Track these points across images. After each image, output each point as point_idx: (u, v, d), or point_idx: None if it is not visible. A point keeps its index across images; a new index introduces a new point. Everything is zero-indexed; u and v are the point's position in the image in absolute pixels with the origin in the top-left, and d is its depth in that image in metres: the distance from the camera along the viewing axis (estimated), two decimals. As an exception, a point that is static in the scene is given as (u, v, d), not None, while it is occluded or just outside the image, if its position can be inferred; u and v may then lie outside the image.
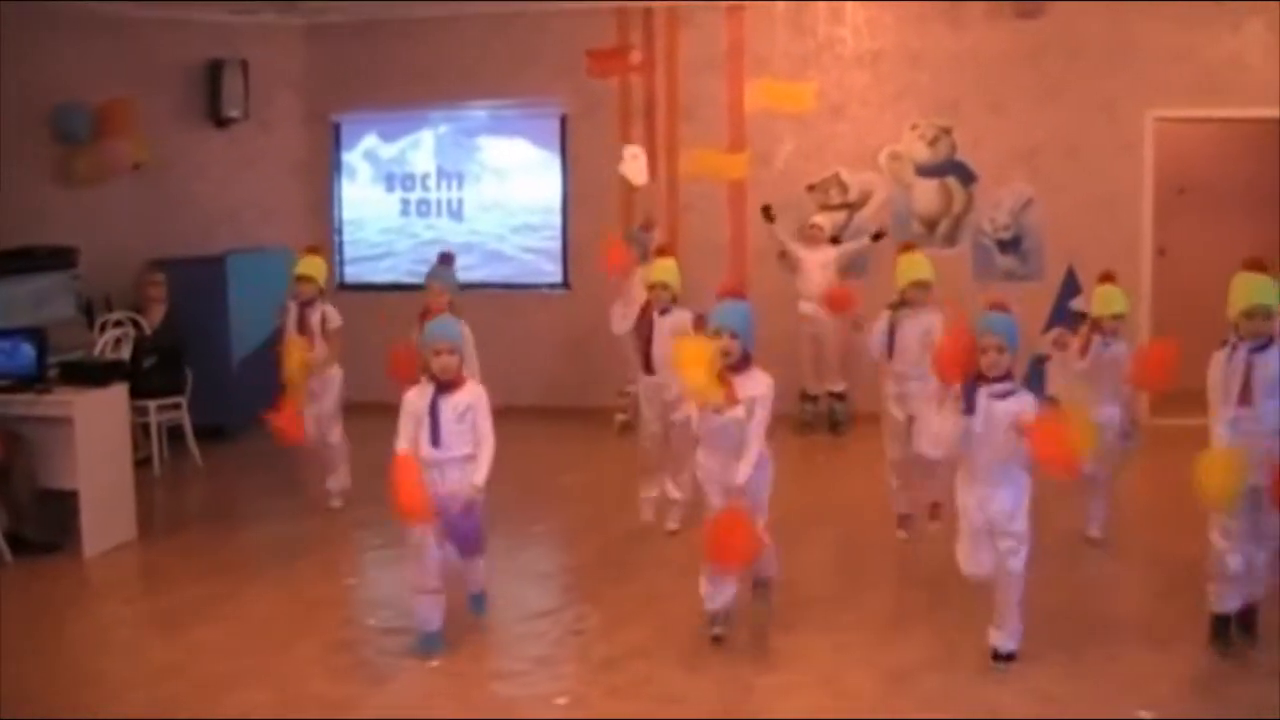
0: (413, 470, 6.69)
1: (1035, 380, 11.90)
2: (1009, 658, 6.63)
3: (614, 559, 8.79)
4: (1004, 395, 6.37)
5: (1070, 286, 12.21)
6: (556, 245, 14.53)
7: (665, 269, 9.04)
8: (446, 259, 9.62)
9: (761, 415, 6.72)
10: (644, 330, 9.09)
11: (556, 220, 14.46)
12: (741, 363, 6.73)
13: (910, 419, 8.59)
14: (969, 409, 6.42)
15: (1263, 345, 6.57)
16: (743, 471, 6.64)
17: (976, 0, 13.34)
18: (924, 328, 8.54)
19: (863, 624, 7.24)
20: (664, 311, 8.91)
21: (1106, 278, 8.77)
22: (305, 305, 9.97)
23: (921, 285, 8.75)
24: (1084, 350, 8.54)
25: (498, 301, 14.05)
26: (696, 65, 13.93)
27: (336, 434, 10.06)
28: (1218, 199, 14.00)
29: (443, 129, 14.84)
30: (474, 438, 6.90)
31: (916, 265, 8.89)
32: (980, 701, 6.26)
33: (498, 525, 9.20)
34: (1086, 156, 13.32)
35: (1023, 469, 6.41)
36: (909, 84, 13.65)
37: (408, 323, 9.37)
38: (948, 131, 13.58)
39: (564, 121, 14.38)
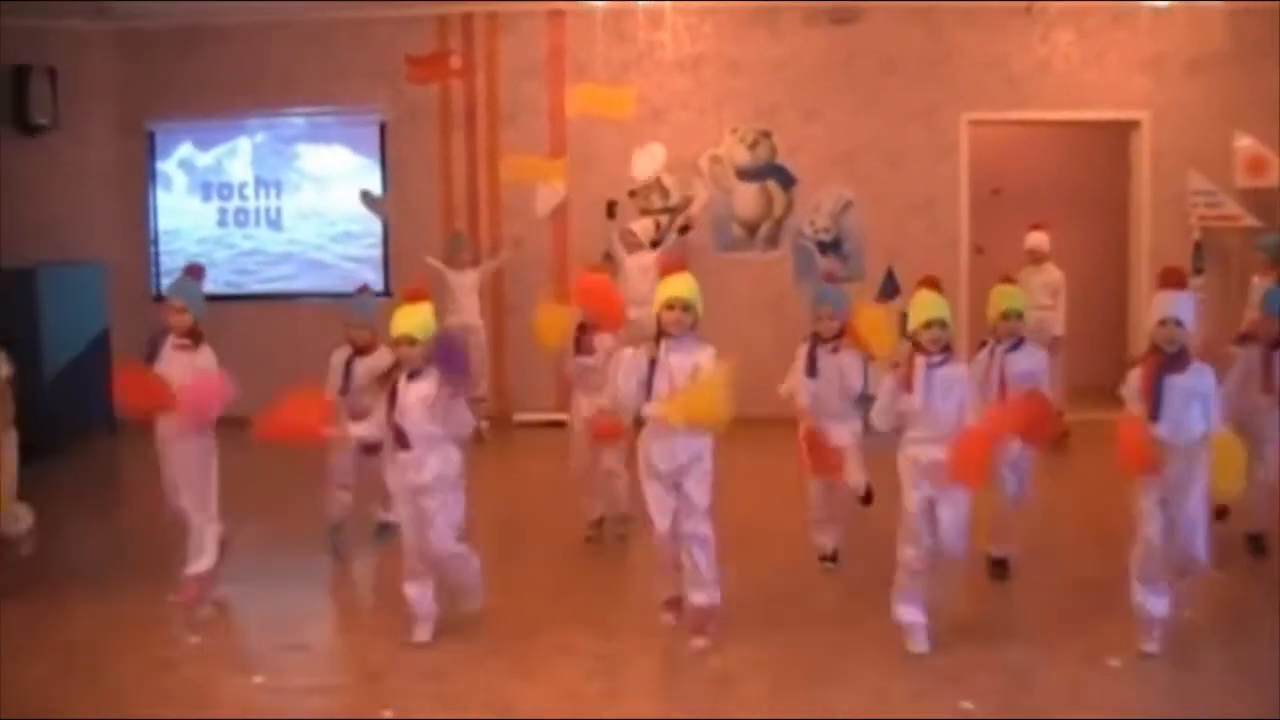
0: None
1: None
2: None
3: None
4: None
5: (890, 286, 12.34)
6: (378, 253, 14.36)
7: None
8: (193, 272, 8.85)
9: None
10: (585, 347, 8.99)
11: (377, 228, 14.27)
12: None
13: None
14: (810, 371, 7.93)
15: (1014, 345, 7.81)
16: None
17: (794, 3, 13.47)
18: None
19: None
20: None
21: (926, 283, 7.20)
22: None
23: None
24: (906, 379, 6.79)
25: (318, 312, 13.84)
26: (517, 71, 13.91)
27: None
28: (1031, 198, 14.32)
29: (260, 137, 14.60)
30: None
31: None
32: (812, 701, 6.26)
33: (316, 539, 9.12)
34: (904, 159, 13.58)
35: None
36: (729, 89, 13.76)
37: (227, 333, 9.11)
38: (767, 135, 13.71)
39: (383, 128, 14.22)
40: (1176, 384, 6.42)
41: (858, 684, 6.42)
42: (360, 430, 7.23)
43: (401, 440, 6.84)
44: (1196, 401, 6.43)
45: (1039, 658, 6.71)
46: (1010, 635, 7.08)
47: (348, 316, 9.02)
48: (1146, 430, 6.41)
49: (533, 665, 6.77)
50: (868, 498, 8.45)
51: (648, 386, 6.69)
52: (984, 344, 8.09)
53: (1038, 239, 12.00)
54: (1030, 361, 7.87)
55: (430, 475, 6.85)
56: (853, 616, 7.33)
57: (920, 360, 6.69)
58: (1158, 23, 13.05)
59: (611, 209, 13.11)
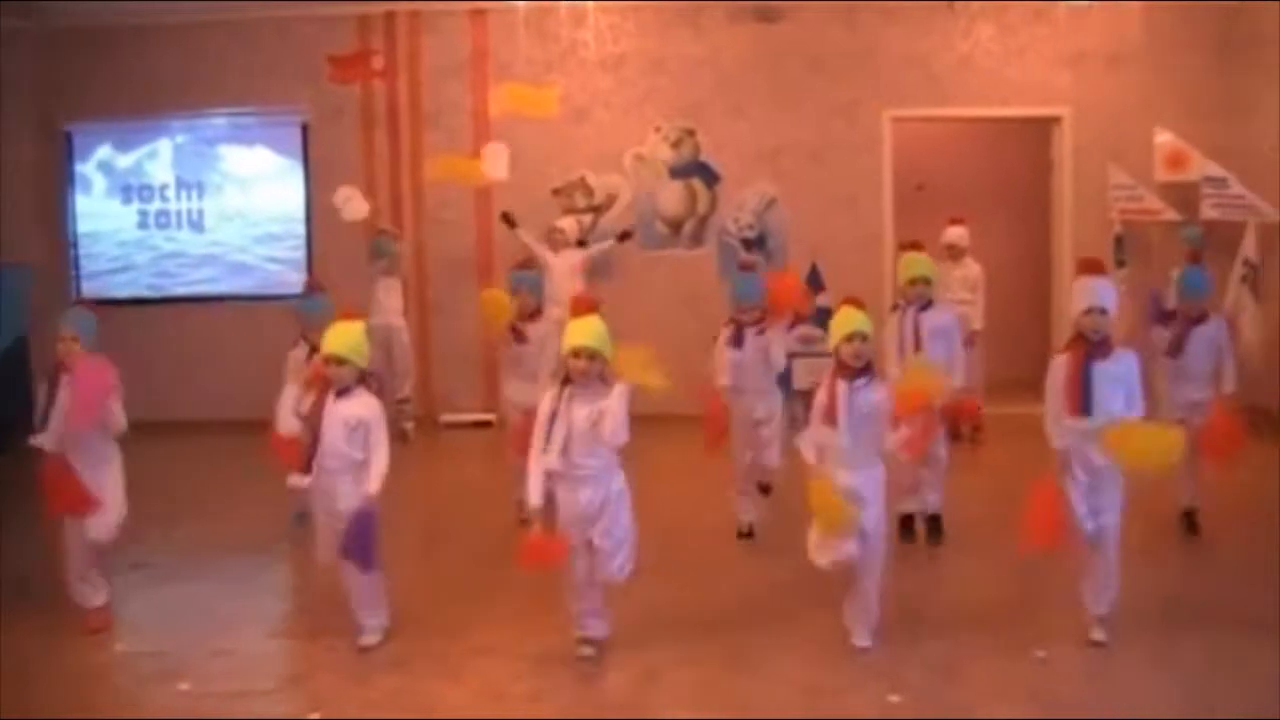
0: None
1: (783, 378, 12.05)
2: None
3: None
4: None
5: (814, 282, 12.41)
6: (301, 255, 14.23)
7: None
8: (85, 304, 8.55)
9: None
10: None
11: (300, 229, 14.16)
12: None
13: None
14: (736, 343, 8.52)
15: (925, 306, 8.43)
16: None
17: (717, 2, 13.49)
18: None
19: (619, 622, 7.18)
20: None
21: (849, 302, 6.85)
22: None
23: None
24: (830, 412, 6.60)
25: (241, 314, 13.74)
26: (440, 71, 13.85)
27: None
28: (954, 194, 14.41)
29: (181, 138, 14.44)
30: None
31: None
32: (738, 696, 6.26)
33: (247, 541, 9.04)
34: (827, 156, 13.64)
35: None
36: (652, 87, 13.76)
37: (150, 337, 8.99)
38: (691, 133, 13.73)
39: (306, 129, 14.11)
40: (1102, 371, 6.49)
41: (785, 678, 6.44)
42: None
43: (311, 458, 6.76)
44: (1121, 387, 6.49)
45: (966, 651, 6.74)
46: (937, 629, 7.10)
47: (303, 318, 9.00)
48: (1063, 502, 6.54)
49: (458, 666, 6.75)
50: (765, 489, 8.98)
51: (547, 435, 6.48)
52: (895, 306, 8.71)
53: (956, 234, 12.06)
54: (942, 318, 8.56)
55: (344, 500, 6.76)
56: (781, 611, 7.35)
57: (842, 385, 6.58)
58: (1077, 20, 13.15)
59: (508, 219, 13.04)
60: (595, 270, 12.95)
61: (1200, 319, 8.45)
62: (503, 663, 6.79)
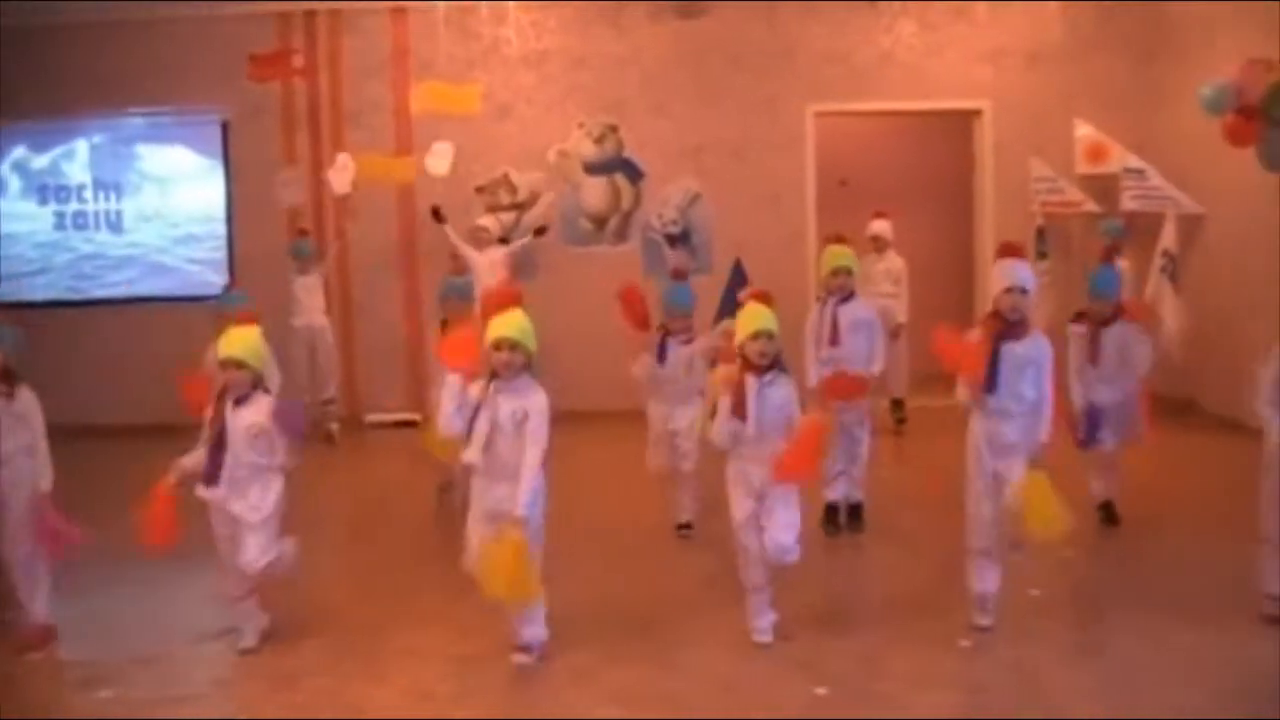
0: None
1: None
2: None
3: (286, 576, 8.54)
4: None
5: (738, 278, 12.34)
6: (222, 255, 14.11)
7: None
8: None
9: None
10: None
11: (221, 230, 14.04)
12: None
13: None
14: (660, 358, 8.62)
15: (846, 298, 8.51)
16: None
17: (639, 1, 13.48)
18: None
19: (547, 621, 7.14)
20: None
21: (757, 296, 6.80)
22: None
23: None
24: (740, 404, 6.56)
25: (162, 316, 13.59)
26: (361, 69, 13.78)
27: None
28: (878, 188, 14.49)
29: (98, 138, 14.29)
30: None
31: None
32: (664, 693, 6.22)
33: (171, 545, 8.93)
34: (751, 152, 13.68)
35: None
36: (574, 84, 13.75)
37: (70, 340, 8.86)
38: (614, 130, 13.73)
39: (225, 128, 13.98)
40: (1013, 351, 6.54)
41: (713, 674, 6.41)
42: (188, 462, 6.83)
43: (216, 467, 6.67)
44: (1030, 369, 6.54)
45: (891, 641, 6.75)
46: (862, 620, 7.13)
47: (223, 317, 8.91)
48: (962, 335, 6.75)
49: (384, 668, 6.68)
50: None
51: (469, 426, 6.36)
52: (819, 299, 8.81)
53: (880, 226, 12.13)
54: (861, 312, 8.61)
55: (249, 505, 6.70)
56: (706, 606, 7.33)
57: (752, 380, 6.55)
58: (996, 16, 13.26)
59: (438, 214, 12.98)
60: (519, 267, 12.90)
61: (1110, 319, 8.49)
62: (430, 662, 6.74)
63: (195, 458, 6.78)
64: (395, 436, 12.89)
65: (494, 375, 6.37)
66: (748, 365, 6.56)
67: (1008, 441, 6.57)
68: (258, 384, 6.77)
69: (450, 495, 9.07)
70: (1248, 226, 11.77)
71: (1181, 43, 13.05)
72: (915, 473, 10.27)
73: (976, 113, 13.84)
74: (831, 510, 8.86)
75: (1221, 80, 11.22)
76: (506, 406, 6.30)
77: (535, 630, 6.65)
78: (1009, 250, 6.80)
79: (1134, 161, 12.69)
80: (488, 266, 12.34)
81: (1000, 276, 6.67)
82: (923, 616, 7.09)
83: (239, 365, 6.64)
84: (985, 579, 6.74)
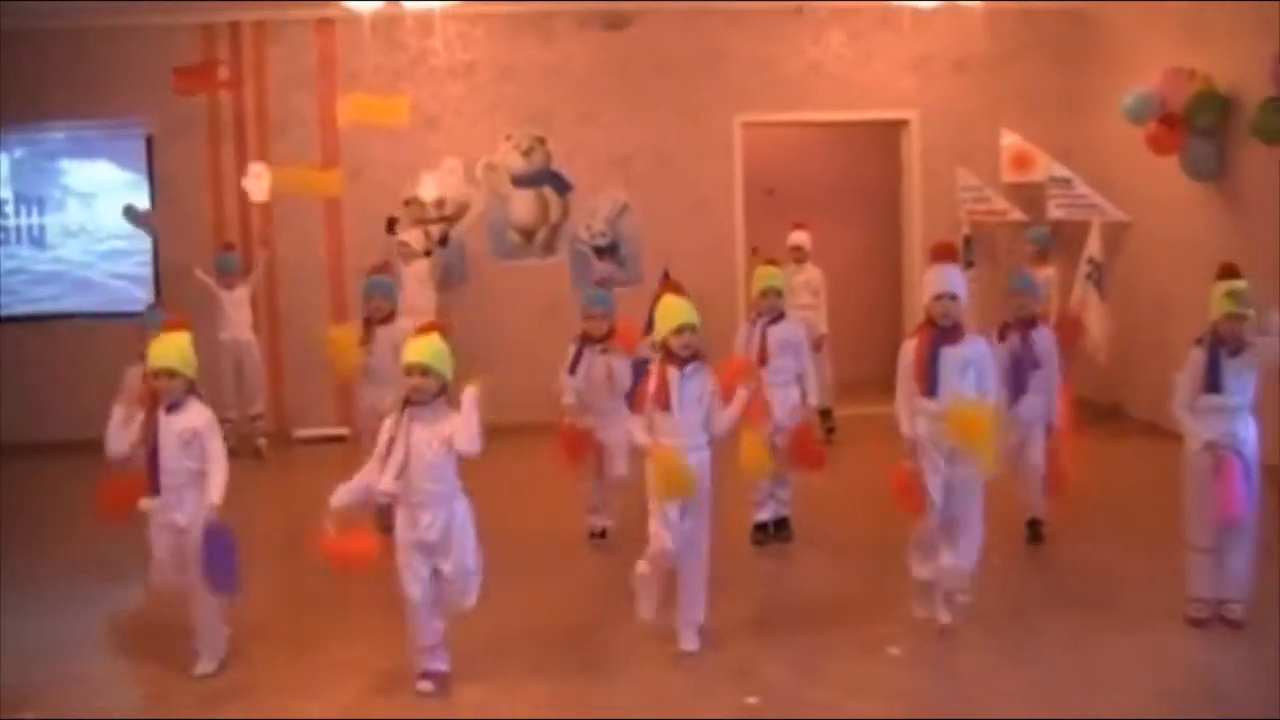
0: None
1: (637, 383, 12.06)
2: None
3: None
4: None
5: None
6: (148, 271, 13.93)
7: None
8: None
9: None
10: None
11: (147, 245, 13.82)
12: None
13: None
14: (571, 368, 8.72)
15: (776, 319, 8.67)
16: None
17: (566, 8, 13.46)
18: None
19: (475, 633, 7.10)
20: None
21: (669, 288, 6.95)
22: None
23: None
24: (660, 393, 6.65)
25: (85, 332, 13.42)
26: (287, 81, 13.64)
27: None
28: (805, 198, 14.59)
29: (19, 153, 14.09)
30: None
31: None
32: (593, 702, 6.22)
33: (96, 564, 8.84)
34: (678, 162, 13.69)
35: None
36: (502, 95, 13.69)
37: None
38: (542, 141, 13.70)
39: (150, 142, 13.81)
40: (951, 355, 6.62)
41: (641, 685, 6.42)
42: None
43: (154, 478, 6.57)
44: (970, 369, 6.63)
45: (821, 648, 6.80)
46: (792, 628, 7.13)
47: (144, 333, 8.83)
48: (915, 472, 6.66)
49: (314, 684, 6.64)
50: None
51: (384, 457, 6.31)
52: (750, 319, 8.91)
53: (799, 238, 12.15)
54: (788, 332, 8.71)
55: (187, 515, 6.59)
56: (633, 614, 7.31)
57: (673, 371, 6.63)
58: (921, 24, 13.30)
59: (391, 225, 12.92)
60: (446, 280, 12.86)
61: (1030, 325, 8.55)
62: (361, 677, 6.70)
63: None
64: (324, 451, 12.80)
65: (408, 402, 6.33)
66: (670, 358, 6.63)
67: (947, 445, 6.66)
68: (190, 390, 6.69)
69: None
70: (1172, 234, 11.91)
71: (1105, 50, 13.19)
72: (846, 482, 10.28)
73: (903, 122, 13.91)
74: (761, 528, 8.90)
75: (1143, 89, 11.38)
76: (422, 434, 6.26)
77: (439, 663, 6.56)
78: (942, 252, 6.87)
79: (1059, 170, 12.78)
80: (415, 280, 12.24)
81: (931, 283, 6.76)
82: (853, 624, 7.14)
83: (171, 374, 6.57)
84: (930, 569, 6.85)
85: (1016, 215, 13.11)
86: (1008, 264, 12.55)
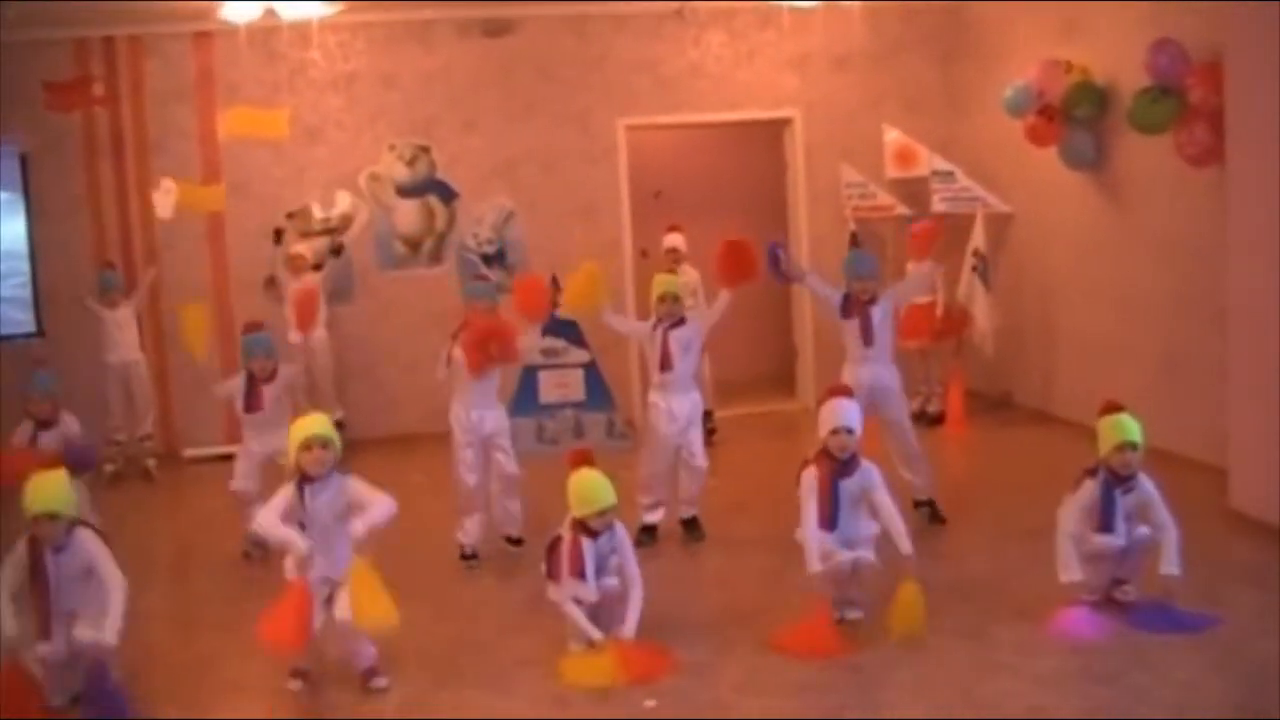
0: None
1: (528, 388, 12.05)
2: None
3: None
4: None
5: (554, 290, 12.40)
6: (27, 293, 13.62)
7: None
8: None
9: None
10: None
11: (24, 266, 13.52)
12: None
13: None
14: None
15: (676, 324, 8.92)
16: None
17: (446, 16, 13.40)
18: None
19: (378, 651, 7.03)
20: None
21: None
22: None
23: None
24: (575, 563, 6.78)
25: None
26: (165, 96, 13.39)
27: None
28: (692, 199, 14.64)
29: (-113, 174, 13.74)
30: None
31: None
32: (488, 714, 6.19)
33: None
34: (563, 167, 13.67)
35: None
36: (384, 105, 13.57)
37: None
38: (426, 150, 13.60)
39: (24, 160, 13.50)
40: (848, 486, 6.91)
41: (538, 693, 6.40)
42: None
43: (45, 614, 6.26)
44: (863, 504, 6.98)
45: (718, 649, 6.81)
46: (689, 629, 7.13)
47: (35, 394, 8.76)
48: (827, 617, 6.80)
49: (208, 704, 6.58)
50: (514, 541, 9.04)
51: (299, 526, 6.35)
52: (653, 326, 9.04)
53: (674, 240, 12.14)
54: (688, 333, 8.96)
55: (89, 637, 6.20)
56: (532, 623, 7.29)
57: (587, 543, 6.74)
58: (800, 23, 13.39)
59: (278, 236, 12.78)
60: (335, 292, 12.75)
61: (871, 301, 8.81)
62: (258, 696, 6.65)
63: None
64: (214, 470, 12.60)
65: (304, 479, 6.34)
66: (584, 530, 6.70)
67: (861, 565, 6.91)
68: (74, 526, 6.34)
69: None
70: (1054, 224, 12.06)
71: (983, 45, 13.32)
72: (735, 480, 10.33)
73: (786, 121, 13.97)
74: (648, 530, 8.94)
75: (1021, 82, 11.51)
76: (328, 504, 6.34)
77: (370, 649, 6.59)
78: (836, 391, 7.18)
79: (942, 164, 12.86)
80: (303, 295, 12.09)
81: (828, 417, 6.99)
82: (749, 623, 7.15)
83: (52, 518, 6.21)
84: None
85: (901, 210, 13.18)
86: (895, 259, 12.68)
